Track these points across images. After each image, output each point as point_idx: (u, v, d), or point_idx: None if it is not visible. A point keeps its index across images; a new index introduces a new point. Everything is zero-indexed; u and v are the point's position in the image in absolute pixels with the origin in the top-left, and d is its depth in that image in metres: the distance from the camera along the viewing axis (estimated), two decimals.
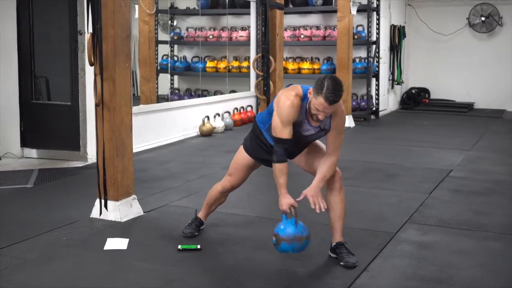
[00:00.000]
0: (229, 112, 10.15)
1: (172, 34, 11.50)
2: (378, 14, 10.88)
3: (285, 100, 3.67)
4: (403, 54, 12.36)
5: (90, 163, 7.06)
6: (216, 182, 5.99)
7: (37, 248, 4.13)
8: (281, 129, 3.67)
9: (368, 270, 3.81)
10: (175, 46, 11.77)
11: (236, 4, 11.26)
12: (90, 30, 4.62)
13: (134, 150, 7.59)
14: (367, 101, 10.74)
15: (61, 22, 7.25)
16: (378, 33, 10.93)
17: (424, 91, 13.00)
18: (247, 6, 11.21)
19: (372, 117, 11.00)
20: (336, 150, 3.84)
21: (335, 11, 10.81)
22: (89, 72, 7.03)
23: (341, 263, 3.86)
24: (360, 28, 10.66)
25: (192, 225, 4.45)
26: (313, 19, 11.19)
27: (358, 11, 10.11)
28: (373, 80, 10.99)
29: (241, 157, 4.14)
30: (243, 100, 10.96)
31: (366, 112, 10.77)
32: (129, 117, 4.85)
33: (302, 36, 10.95)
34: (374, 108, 11.09)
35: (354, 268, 3.82)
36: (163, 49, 11.30)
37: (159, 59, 11.02)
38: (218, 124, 9.52)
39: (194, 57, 11.90)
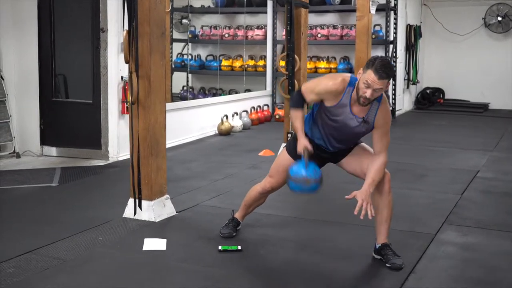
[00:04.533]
0: (246, 111, 10.09)
1: (188, 33, 11.42)
2: (395, 13, 10.80)
3: (329, 79, 3.75)
4: (418, 54, 12.28)
5: (111, 161, 7.00)
6: (242, 182, 6.03)
7: (75, 249, 4.06)
8: (308, 91, 3.80)
9: (415, 272, 3.74)
10: (189, 45, 11.70)
11: (253, 3, 11.19)
12: (126, 27, 4.55)
13: None
14: None
15: (83, 20, 7.19)
16: (395, 33, 10.86)
17: (438, 91, 12.92)
18: (263, 4, 11.14)
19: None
20: (384, 150, 3.78)
21: (353, 10, 10.75)
22: (111, 70, 6.99)
23: (387, 265, 3.80)
24: (377, 28, 10.58)
25: (229, 226, 4.39)
26: (330, 18, 11.11)
27: (376, 10, 10.02)
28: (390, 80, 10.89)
29: (284, 159, 4.08)
30: (259, 99, 10.91)
31: None
32: (163, 116, 4.78)
33: (319, 35, 10.88)
34: (391, 108, 11.00)
35: (401, 270, 3.75)
36: (177, 48, 11.23)
37: (174, 57, 10.96)
38: (237, 123, 9.45)
39: (208, 55, 11.84)
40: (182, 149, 7.90)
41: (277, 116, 10.69)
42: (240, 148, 8.04)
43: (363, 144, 4.01)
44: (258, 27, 11.27)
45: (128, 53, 4.49)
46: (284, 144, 7.36)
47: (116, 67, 7.01)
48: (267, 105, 10.97)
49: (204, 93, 11.68)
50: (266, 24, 11.20)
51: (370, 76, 3.49)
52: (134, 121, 4.58)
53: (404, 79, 12.00)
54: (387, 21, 10.62)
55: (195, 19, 11.70)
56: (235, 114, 9.59)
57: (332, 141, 3.89)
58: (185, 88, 11.20)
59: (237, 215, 4.45)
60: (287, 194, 4.32)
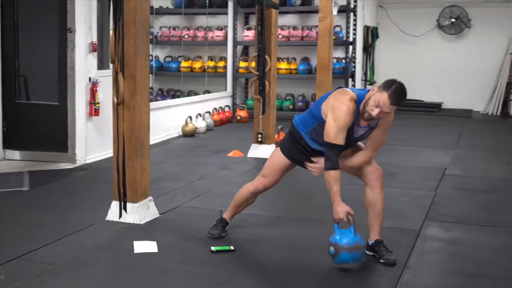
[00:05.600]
0: (209, 112, 10.06)
1: None
2: (355, 15, 10.97)
3: (341, 105, 3.63)
4: (375, 55, 12.50)
5: (79, 164, 6.87)
6: (218, 183, 6.01)
7: (64, 253, 3.97)
8: (336, 135, 3.63)
9: (409, 267, 3.82)
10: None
11: (213, 4, 11.17)
12: (111, 26, 4.48)
13: None
14: None
15: (49, 19, 7.02)
16: (354, 34, 11.03)
17: None
18: (223, 6, 11.14)
19: None
20: (376, 148, 3.84)
21: (313, 12, 10.88)
22: (79, 71, 6.85)
23: (381, 261, 3.86)
24: (337, 29, 10.71)
25: (218, 226, 4.37)
26: (290, 19, 11.19)
27: (337, 11, 10.15)
28: (350, 81, 11.06)
29: (278, 159, 4.08)
30: (220, 100, 10.89)
31: None
32: (147, 117, 4.73)
33: (280, 36, 10.92)
34: None
35: (395, 265, 3.82)
36: None
37: None
38: (200, 124, 9.42)
39: (167, 56, 11.75)
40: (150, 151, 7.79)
41: (238, 117, 10.69)
42: (207, 149, 8.01)
43: (359, 143, 4.05)
44: (218, 28, 11.25)
45: (114, 53, 4.41)
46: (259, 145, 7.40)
47: (84, 68, 6.88)
48: (228, 106, 10.97)
49: (163, 94, 11.60)
50: (226, 25, 11.19)
51: (383, 97, 3.53)
52: (119, 123, 4.50)
53: (362, 80, 12.19)
54: (348, 22, 10.77)
55: (153, 20, 11.59)
56: (199, 116, 9.55)
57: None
58: None
59: (226, 215, 4.43)
60: (267, 194, 4.35)
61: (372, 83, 12.40)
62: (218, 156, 7.45)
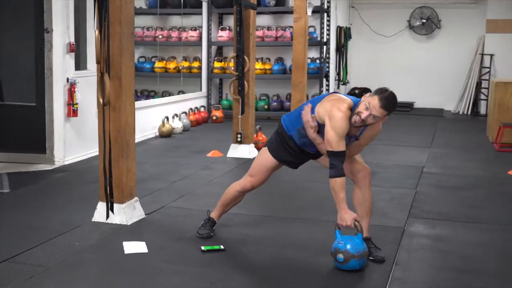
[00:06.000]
0: (186, 113, 10.04)
1: None
2: (328, 15, 11.06)
3: (338, 112, 3.66)
4: (348, 55, 12.62)
5: (58, 166, 6.80)
6: (201, 183, 6.02)
7: (54, 255, 3.93)
8: (337, 143, 3.65)
9: (398, 264, 3.88)
10: None
11: (187, 4, 11.14)
12: (95, 27, 4.45)
13: (97, 153, 7.35)
14: None
15: (26, 19, 6.94)
16: (328, 34, 11.11)
17: (366, 91, 13.29)
18: (197, 6, 11.12)
19: None
20: (349, 157, 3.88)
21: (287, 12, 10.95)
22: (57, 72, 6.78)
23: (370, 258, 3.90)
24: (311, 29, 10.78)
25: (206, 226, 4.38)
26: (265, 20, 11.22)
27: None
28: (324, 81, 11.15)
29: (265, 158, 4.11)
30: (195, 100, 10.88)
31: None
32: (132, 117, 4.71)
33: None
34: None
35: (383, 262, 3.88)
36: None
37: None
38: (177, 124, 9.40)
39: (140, 57, 11.68)
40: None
41: (214, 117, 10.69)
42: (186, 149, 8.00)
43: None
44: (192, 29, 11.23)
45: (100, 54, 4.38)
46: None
47: (61, 69, 6.81)
48: (204, 106, 10.96)
49: (137, 95, 11.50)
50: (201, 25, 11.18)
51: (374, 100, 3.59)
52: (106, 123, 4.47)
53: (335, 80, 12.30)
54: (322, 23, 10.85)
55: None
56: (175, 116, 9.53)
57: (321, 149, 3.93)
58: None
59: (213, 214, 4.44)
60: (251, 193, 4.36)
61: (345, 83, 12.52)
62: (198, 156, 7.45)
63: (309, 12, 9.85)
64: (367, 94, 3.71)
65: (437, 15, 12.76)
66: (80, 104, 6.95)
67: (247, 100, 7.25)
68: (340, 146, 3.66)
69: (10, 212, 4.98)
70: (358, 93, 13.23)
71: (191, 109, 10.34)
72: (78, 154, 7.12)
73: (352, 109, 3.70)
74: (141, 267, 3.74)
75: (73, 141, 7.05)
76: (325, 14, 10.97)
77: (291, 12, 10.67)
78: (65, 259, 3.87)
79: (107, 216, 4.54)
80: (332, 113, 3.66)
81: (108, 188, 4.50)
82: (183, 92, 11.10)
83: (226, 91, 11.70)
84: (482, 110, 12.34)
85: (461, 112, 12.57)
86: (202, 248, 4.05)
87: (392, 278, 3.64)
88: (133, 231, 4.46)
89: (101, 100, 4.45)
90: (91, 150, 7.36)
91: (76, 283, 3.52)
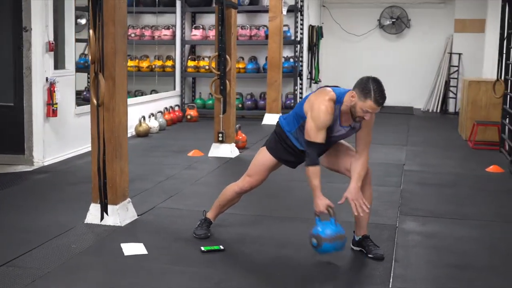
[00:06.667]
0: (161, 112, 9.99)
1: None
2: (301, 14, 11.12)
3: (320, 105, 3.71)
4: (320, 54, 12.71)
5: (37, 167, 6.69)
6: (187, 183, 6.00)
7: (52, 258, 3.88)
8: (315, 134, 3.72)
9: (398, 261, 3.94)
10: None
11: (160, 2, 11.07)
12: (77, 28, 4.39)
13: (77, 153, 7.34)
14: (295, 100, 10.96)
15: (3, 18, 6.80)
16: (302, 33, 11.18)
17: None
18: (170, 4, 11.05)
19: None
20: (367, 148, 3.94)
21: (261, 11, 10.98)
22: (36, 71, 6.68)
23: (370, 255, 3.97)
24: (285, 28, 10.83)
25: (203, 226, 4.37)
26: (238, 19, 11.09)
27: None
28: (298, 80, 11.22)
29: (264, 158, 4.12)
30: (169, 99, 10.82)
31: None
32: (125, 117, 4.68)
33: None
34: None
35: (383, 259, 3.94)
36: (80, 48, 10.85)
37: (76, 58, 10.57)
38: (153, 124, 9.34)
39: None
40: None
41: (188, 117, 10.64)
42: (166, 149, 7.96)
43: (341, 140, 4.14)
44: (165, 27, 11.15)
45: (94, 53, 4.33)
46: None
47: (41, 68, 6.70)
48: (178, 105, 10.91)
49: None
50: (174, 24, 11.12)
51: (371, 106, 3.61)
52: (100, 124, 4.42)
53: (307, 78, 12.37)
54: (296, 22, 10.91)
55: None
56: (151, 115, 9.46)
57: None
58: (87, 89, 10.84)
59: (209, 215, 4.44)
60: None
61: (317, 81, 12.61)
62: (179, 156, 7.41)
63: (284, 12, 9.94)
64: (353, 94, 3.68)
65: (407, 15, 12.96)
66: (59, 104, 6.85)
67: (229, 99, 7.24)
68: (318, 137, 3.73)
69: None
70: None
71: (166, 108, 10.29)
72: (57, 154, 7.02)
73: (337, 101, 3.74)
74: (144, 269, 3.72)
75: (53, 141, 6.95)
76: (299, 13, 11.03)
77: (265, 11, 10.75)
78: (65, 262, 3.82)
79: (102, 218, 4.49)
80: (314, 105, 3.73)
81: (102, 189, 4.45)
82: (156, 92, 11.02)
83: (199, 90, 11.69)
84: (451, 108, 12.60)
85: (430, 110, 12.79)
86: (202, 248, 4.05)
87: (394, 275, 3.70)
88: (128, 233, 4.43)
89: (94, 101, 4.40)
90: (71, 150, 7.29)
91: (80, 286, 3.48)
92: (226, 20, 7.04)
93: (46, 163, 6.79)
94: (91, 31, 4.31)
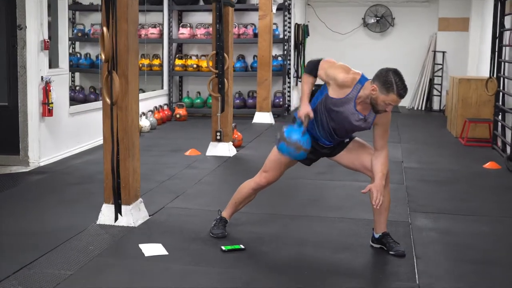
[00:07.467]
0: (152, 111, 9.89)
1: (75, 31, 10.95)
2: (289, 13, 11.12)
3: (343, 70, 3.85)
4: (306, 52, 12.72)
5: (33, 167, 6.57)
6: (191, 182, 5.95)
7: (71, 260, 3.81)
8: (325, 66, 3.92)
9: (419, 257, 3.95)
10: (77, 43, 11.21)
11: (147, 1, 10.95)
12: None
13: (71, 153, 7.23)
14: (283, 98, 10.96)
15: None
16: (289, 32, 11.18)
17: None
18: (157, 3, 10.95)
19: (285, 113, 11.20)
20: (385, 145, 3.94)
21: (249, 9, 10.94)
22: (31, 70, 6.56)
23: (391, 252, 3.97)
24: (274, 27, 10.81)
25: (219, 226, 4.33)
26: None
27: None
28: (286, 78, 11.22)
29: (279, 154, 4.09)
30: (157, 99, 10.73)
31: (282, 108, 10.98)
32: (137, 116, 4.61)
33: None
34: (286, 106, 11.33)
35: (404, 256, 3.94)
36: None
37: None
38: (145, 123, 9.25)
39: (99, 54, 11.39)
40: (101, 152, 7.56)
41: (177, 116, 10.57)
42: (162, 148, 7.88)
43: (357, 138, 4.14)
44: (152, 26, 11.05)
45: (109, 51, 4.25)
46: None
47: (36, 67, 6.58)
48: (167, 104, 10.82)
49: (95, 93, 11.25)
50: (161, 22, 11.02)
51: (394, 99, 3.61)
52: (114, 123, 4.35)
53: (293, 77, 12.37)
54: (284, 20, 10.91)
55: (83, 18, 11.23)
56: (143, 114, 9.37)
57: (332, 133, 3.94)
58: (72, 88, 10.70)
59: (225, 214, 4.40)
60: None
61: None
62: (177, 155, 7.35)
63: (274, 10, 9.93)
64: (374, 87, 3.66)
65: (391, 13, 13.05)
66: (55, 103, 6.74)
67: (227, 98, 7.20)
68: (322, 68, 3.92)
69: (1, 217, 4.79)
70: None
71: (155, 107, 10.19)
72: (52, 154, 6.91)
73: (359, 80, 3.77)
74: (169, 270, 3.67)
75: (48, 141, 6.84)
76: (287, 11, 11.03)
77: (252, 9, 10.72)
78: (85, 264, 3.75)
79: (116, 219, 4.42)
80: (338, 67, 3.89)
81: (115, 189, 4.38)
82: (142, 91, 10.90)
83: (186, 89, 11.60)
84: (436, 106, 12.71)
85: (415, 108, 12.90)
86: (223, 248, 4.01)
87: (418, 272, 3.71)
88: (143, 233, 4.37)
89: (108, 100, 4.33)
90: (65, 150, 7.18)
91: None
92: (224, 18, 6.99)
93: (42, 164, 6.68)
94: (104, 29, 4.23)
